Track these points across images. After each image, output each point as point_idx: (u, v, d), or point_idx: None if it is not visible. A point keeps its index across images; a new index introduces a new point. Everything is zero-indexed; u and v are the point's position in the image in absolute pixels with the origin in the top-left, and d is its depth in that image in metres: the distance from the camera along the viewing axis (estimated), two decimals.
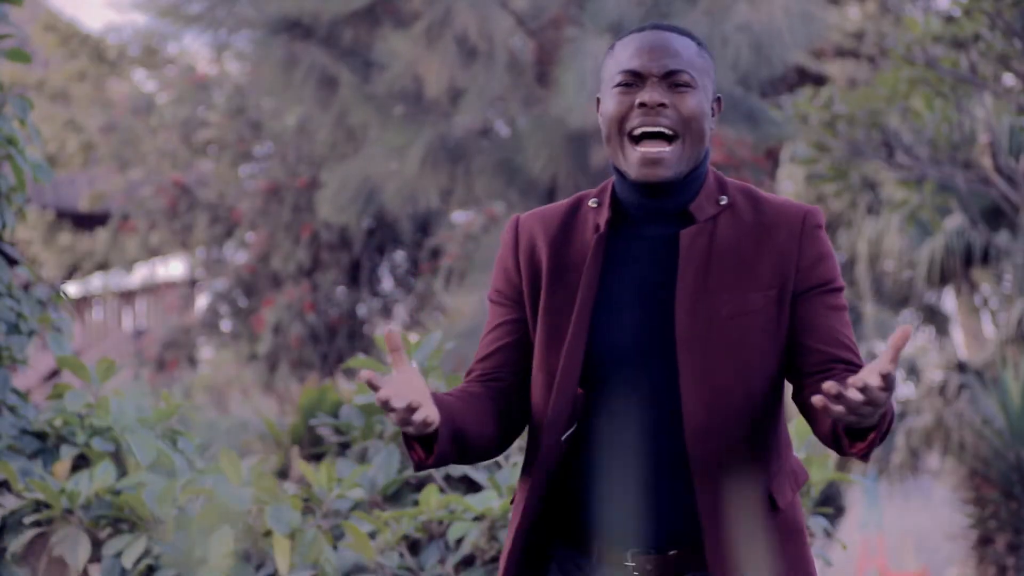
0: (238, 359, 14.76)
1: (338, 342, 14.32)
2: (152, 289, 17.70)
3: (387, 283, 15.07)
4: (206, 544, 3.78)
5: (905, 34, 8.52)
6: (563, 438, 2.32)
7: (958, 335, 14.90)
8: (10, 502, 4.11)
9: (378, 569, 3.89)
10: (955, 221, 12.18)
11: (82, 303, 17.83)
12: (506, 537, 2.40)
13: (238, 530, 3.88)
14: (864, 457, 2.20)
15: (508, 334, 2.39)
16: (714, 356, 2.26)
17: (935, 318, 15.10)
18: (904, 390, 13.77)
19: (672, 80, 2.28)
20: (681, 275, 2.28)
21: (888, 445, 12.21)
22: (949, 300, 14.92)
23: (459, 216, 14.21)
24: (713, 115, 2.34)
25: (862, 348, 13.54)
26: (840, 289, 2.34)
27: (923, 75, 8.55)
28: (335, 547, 3.95)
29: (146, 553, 3.93)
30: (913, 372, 13.55)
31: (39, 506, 4.07)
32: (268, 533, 3.90)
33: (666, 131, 2.28)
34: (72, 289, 16.75)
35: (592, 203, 2.37)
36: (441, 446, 2.24)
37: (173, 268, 17.27)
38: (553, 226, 2.37)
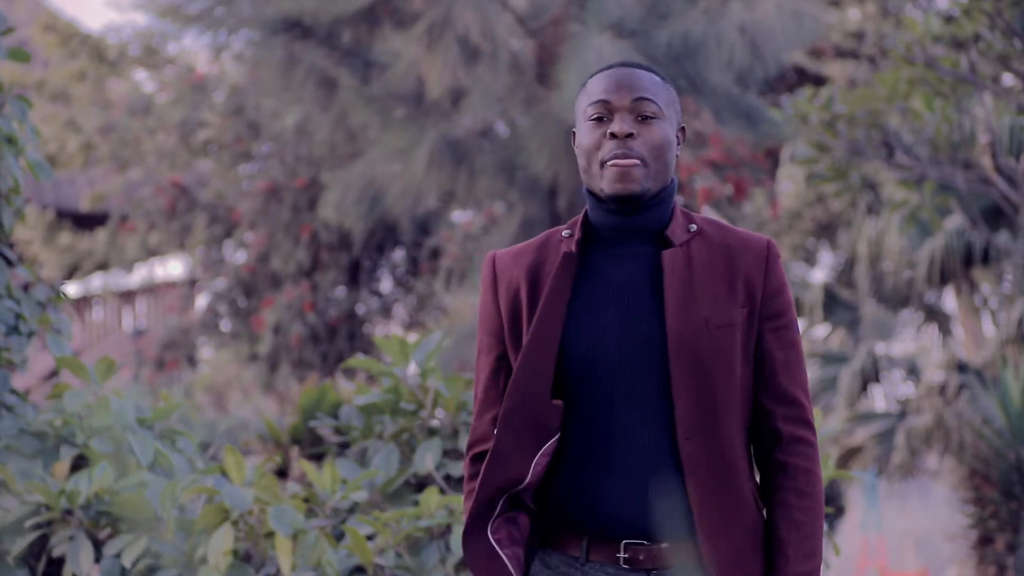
0: (238, 359, 14.76)
1: (338, 342, 14.33)
2: (152, 289, 17.70)
3: (387, 283, 15.08)
4: (207, 544, 3.78)
5: (905, 34, 8.51)
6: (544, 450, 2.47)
7: (958, 335, 14.90)
8: (10, 503, 4.10)
9: (378, 570, 3.89)
10: (955, 221, 12.17)
11: (82, 303, 17.82)
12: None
13: (239, 530, 3.87)
14: None
15: (500, 370, 2.56)
16: (702, 362, 2.45)
17: (935, 318, 15.10)
18: (904, 390, 13.78)
19: (639, 111, 2.49)
20: (668, 287, 2.47)
21: (888, 445, 12.21)
22: (949, 300, 14.92)
23: (459, 216, 14.22)
24: (678, 144, 2.55)
25: (862, 348, 13.53)
26: (794, 322, 2.55)
27: (923, 75, 8.54)
28: (336, 548, 3.94)
29: (146, 553, 3.92)
30: (913, 372, 13.56)
31: (39, 507, 4.06)
32: (270, 534, 3.90)
33: (635, 159, 2.47)
34: (72, 289, 16.74)
35: (564, 233, 2.56)
36: None
37: (172, 268, 17.27)
38: (527, 258, 2.55)
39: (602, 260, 2.51)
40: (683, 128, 2.57)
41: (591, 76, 2.58)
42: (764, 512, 2.52)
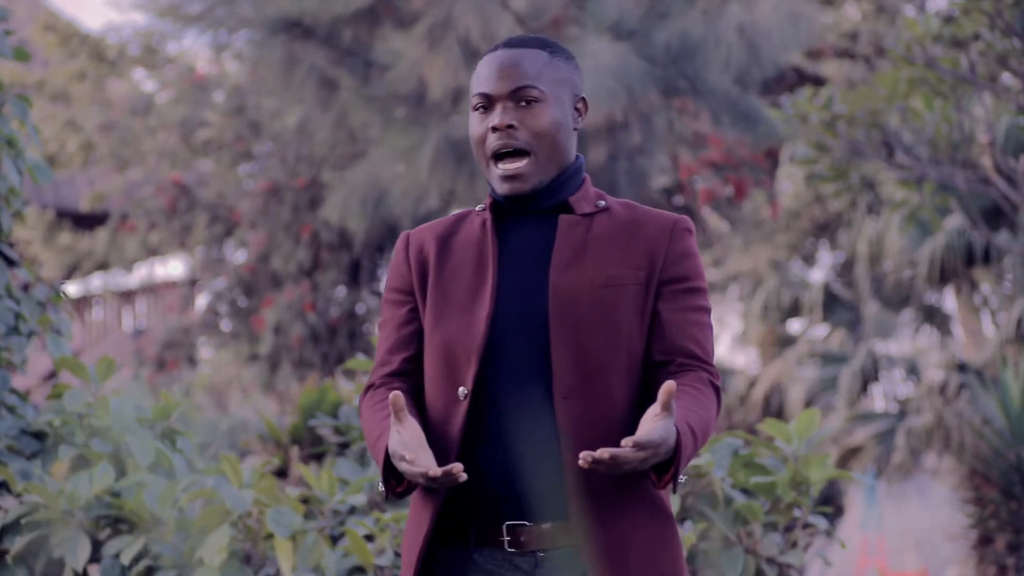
0: (238, 359, 14.76)
1: (338, 342, 14.33)
2: (152, 289, 17.70)
3: None
4: (204, 544, 3.78)
5: (905, 34, 8.52)
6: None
7: (958, 335, 14.90)
8: (9, 503, 4.11)
9: (378, 571, 3.89)
10: (955, 221, 12.17)
11: (82, 303, 17.83)
12: (407, 538, 2.44)
13: (238, 531, 3.88)
14: (672, 487, 2.28)
15: (409, 322, 2.48)
16: (583, 322, 2.35)
17: (935, 318, 15.11)
18: (904, 390, 13.78)
19: (520, 97, 2.41)
20: (556, 250, 2.40)
21: (888, 444, 12.21)
22: (949, 300, 14.93)
23: None
24: (580, 116, 2.48)
25: (862, 348, 13.53)
26: (699, 290, 2.45)
27: (923, 75, 8.55)
28: (334, 548, 3.95)
29: (145, 554, 3.93)
30: (913, 372, 13.56)
31: (38, 507, 4.07)
32: (269, 535, 3.90)
33: (518, 148, 2.41)
34: (72, 289, 16.74)
35: (478, 208, 2.51)
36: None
37: (173, 268, 17.27)
38: (440, 229, 2.51)
39: (508, 227, 2.45)
40: (582, 99, 2.48)
41: (482, 57, 2.50)
42: (650, 492, 2.36)
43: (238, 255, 15.13)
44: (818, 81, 15.89)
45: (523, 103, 2.41)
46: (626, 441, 2.16)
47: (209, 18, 11.30)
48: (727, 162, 12.80)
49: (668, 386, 2.19)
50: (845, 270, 16.65)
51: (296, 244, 14.38)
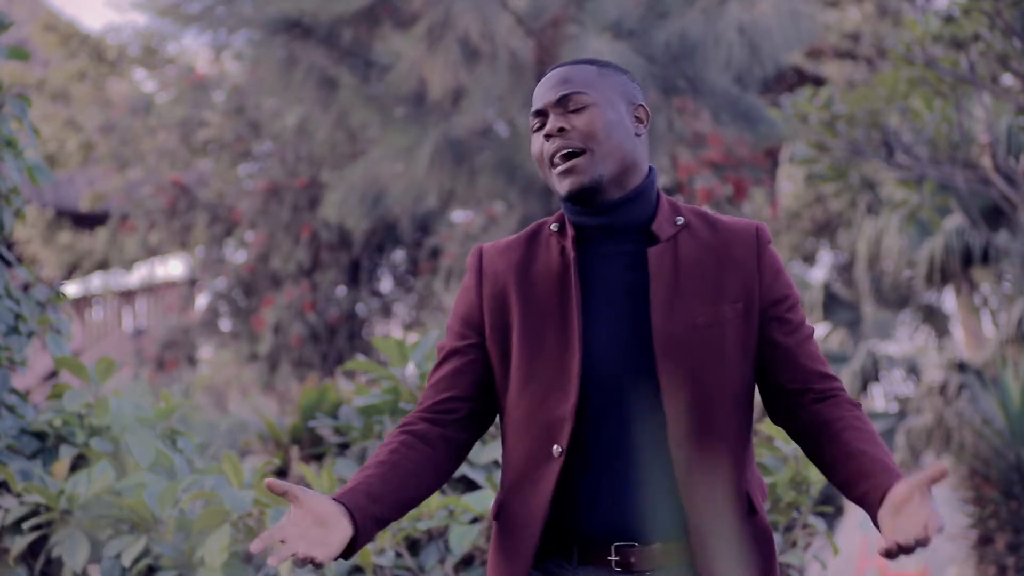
0: (238, 359, 14.77)
1: (338, 342, 14.33)
2: (152, 289, 17.70)
3: (387, 283, 15.08)
4: (205, 545, 3.78)
5: (905, 34, 8.52)
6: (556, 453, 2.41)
7: (958, 335, 14.91)
8: (10, 503, 4.11)
9: (378, 570, 3.89)
10: (955, 221, 12.17)
11: (82, 303, 17.82)
12: (495, 562, 2.47)
13: (239, 531, 3.88)
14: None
15: (469, 364, 2.48)
16: (692, 362, 2.38)
17: (935, 318, 15.11)
18: (904, 390, 13.78)
19: (568, 105, 2.44)
20: (653, 287, 2.40)
21: (888, 444, 12.21)
22: (949, 300, 14.93)
23: (459, 216, 14.23)
24: (641, 124, 2.49)
25: (862, 348, 13.54)
26: (798, 303, 2.48)
27: (923, 75, 8.54)
28: None
29: (146, 553, 3.93)
30: (913, 372, 13.56)
31: (38, 507, 4.07)
32: None
33: (572, 149, 2.42)
34: (72, 289, 16.74)
35: (553, 227, 2.49)
36: (360, 542, 2.35)
37: (173, 268, 17.27)
38: (515, 254, 2.48)
39: (591, 261, 2.44)
40: (641, 106, 2.49)
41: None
42: (762, 516, 2.46)
43: (238, 255, 15.14)
44: (818, 81, 15.89)
45: (573, 109, 2.43)
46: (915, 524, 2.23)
47: (209, 18, 11.31)
48: (727, 162, 12.80)
49: (940, 469, 2.20)
50: (845, 270, 16.65)
51: (296, 244, 14.39)
